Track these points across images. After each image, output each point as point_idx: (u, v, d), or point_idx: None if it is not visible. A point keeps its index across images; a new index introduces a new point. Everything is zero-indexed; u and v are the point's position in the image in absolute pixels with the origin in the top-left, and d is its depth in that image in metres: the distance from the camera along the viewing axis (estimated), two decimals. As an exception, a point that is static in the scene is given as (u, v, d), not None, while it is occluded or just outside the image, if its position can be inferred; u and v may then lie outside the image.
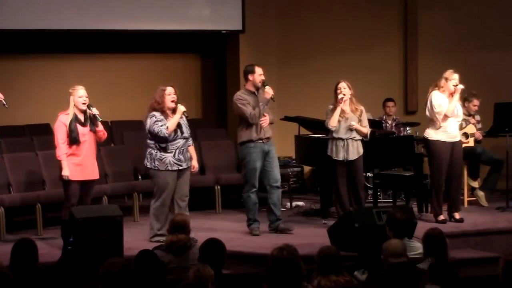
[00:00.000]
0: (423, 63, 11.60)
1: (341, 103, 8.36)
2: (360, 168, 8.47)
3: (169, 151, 7.80)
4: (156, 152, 7.83)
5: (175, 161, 7.82)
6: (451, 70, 8.47)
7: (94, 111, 7.71)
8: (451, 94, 8.37)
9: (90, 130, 7.72)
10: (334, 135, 8.41)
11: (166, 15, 11.05)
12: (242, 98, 8.22)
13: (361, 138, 8.47)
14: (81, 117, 7.71)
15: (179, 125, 7.85)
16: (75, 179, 7.64)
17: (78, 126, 7.65)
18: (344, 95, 8.38)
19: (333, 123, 8.36)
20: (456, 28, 11.63)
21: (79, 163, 7.65)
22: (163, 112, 7.82)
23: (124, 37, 11.48)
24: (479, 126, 9.99)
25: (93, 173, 7.77)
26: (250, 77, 8.29)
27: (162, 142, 7.80)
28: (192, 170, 8.10)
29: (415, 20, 11.74)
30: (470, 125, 9.78)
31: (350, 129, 8.39)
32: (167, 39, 11.70)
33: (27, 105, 10.86)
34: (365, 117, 8.56)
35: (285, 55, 11.55)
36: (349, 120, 8.40)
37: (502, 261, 4.70)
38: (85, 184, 7.72)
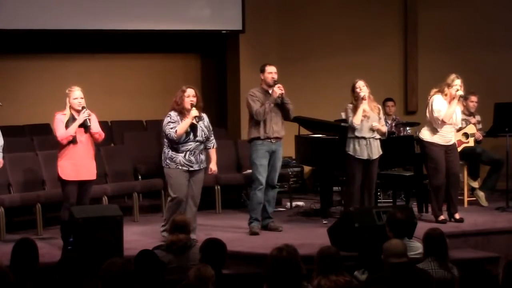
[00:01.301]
0: (423, 63, 11.61)
1: (365, 99, 8.34)
2: (376, 167, 8.45)
3: (180, 151, 7.79)
4: (169, 151, 7.83)
5: (186, 162, 7.79)
6: (454, 75, 8.41)
7: (85, 115, 7.65)
8: (453, 99, 8.38)
9: (85, 131, 7.70)
10: (357, 134, 8.35)
11: (166, 15, 11.05)
12: (252, 94, 8.31)
13: (380, 137, 8.47)
14: (78, 117, 7.70)
15: (193, 128, 7.80)
16: (71, 179, 7.63)
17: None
18: (365, 93, 8.37)
19: (357, 121, 8.31)
20: (456, 28, 11.64)
21: (75, 163, 7.63)
22: (180, 113, 7.80)
23: (124, 37, 11.47)
24: (479, 126, 9.99)
25: (89, 174, 7.74)
26: (261, 76, 8.37)
27: (173, 143, 7.81)
28: (209, 172, 8.10)
29: (415, 20, 11.74)
30: (470, 125, 9.78)
31: (372, 129, 8.37)
32: (167, 39, 11.69)
33: (27, 105, 10.87)
34: (382, 115, 8.57)
35: (285, 55, 11.53)
36: (371, 119, 8.36)
37: (502, 262, 4.68)
38: (82, 185, 7.71)
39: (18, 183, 8.72)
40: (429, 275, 5.31)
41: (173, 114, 7.80)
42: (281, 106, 8.33)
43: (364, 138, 8.36)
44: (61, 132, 7.61)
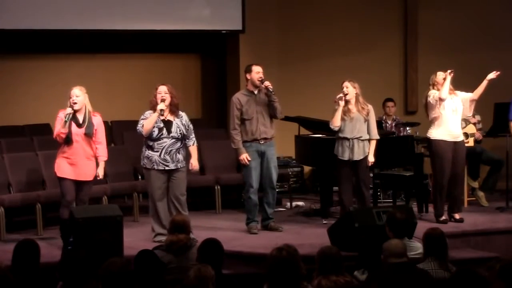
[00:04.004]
0: (423, 63, 11.60)
1: (335, 101, 8.35)
2: (365, 168, 8.42)
3: (155, 149, 7.84)
4: (145, 150, 7.92)
5: (161, 161, 7.83)
6: (433, 74, 8.51)
7: (67, 111, 7.65)
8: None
9: (86, 134, 7.69)
10: (340, 134, 8.37)
11: (166, 15, 11.05)
12: (234, 102, 8.31)
13: (368, 138, 8.44)
14: (80, 117, 7.70)
15: (167, 125, 7.84)
16: (67, 177, 7.66)
17: (74, 125, 7.65)
18: (346, 94, 8.36)
19: (336, 123, 8.34)
20: (456, 28, 11.64)
21: (71, 163, 7.66)
22: (154, 110, 7.85)
23: (124, 37, 11.48)
24: (479, 126, 9.99)
25: (85, 174, 7.73)
26: (248, 76, 8.37)
27: (147, 139, 7.86)
28: (190, 168, 8.07)
29: (415, 20, 11.74)
30: (470, 125, 9.78)
31: (356, 128, 8.34)
32: (167, 39, 11.70)
33: (27, 105, 10.87)
34: (372, 117, 8.49)
35: (285, 55, 11.55)
36: (355, 120, 8.36)
37: (495, 264, 4.55)
38: (79, 184, 7.72)
39: (18, 183, 8.72)
40: (429, 275, 5.31)
41: (148, 112, 7.91)
42: (268, 105, 8.32)
43: (346, 139, 8.36)
44: (56, 129, 7.65)
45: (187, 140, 7.99)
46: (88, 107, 7.76)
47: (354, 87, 8.40)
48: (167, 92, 7.87)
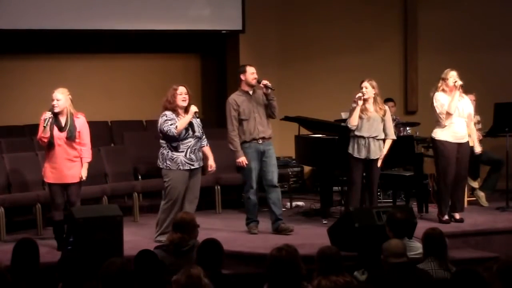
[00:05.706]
0: (423, 63, 11.61)
1: (355, 101, 8.33)
2: (377, 167, 8.40)
3: (180, 150, 7.81)
4: (168, 152, 7.84)
5: (187, 161, 7.82)
6: (447, 69, 8.47)
7: (47, 115, 7.63)
8: (453, 90, 8.38)
9: (67, 138, 7.63)
10: (356, 133, 8.35)
11: (166, 15, 11.06)
12: (231, 103, 8.28)
13: (383, 138, 8.43)
14: (62, 120, 7.67)
15: (191, 124, 7.86)
16: (51, 181, 7.68)
17: (55, 129, 7.63)
18: (364, 94, 8.35)
19: (353, 122, 8.32)
20: (456, 28, 11.64)
21: (53, 167, 7.65)
22: (174, 111, 7.83)
23: (124, 37, 11.48)
24: (479, 126, 9.99)
25: (69, 177, 7.67)
26: (242, 77, 8.33)
27: (173, 141, 7.81)
28: (209, 169, 8.12)
29: (415, 20, 11.75)
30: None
31: (373, 127, 8.34)
32: (167, 39, 11.70)
33: (27, 105, 10.86)
34: (389, 117, 8.50)
35: (285, 55, 11.55)
36: (372, 119, 8.35)
37: (493, 265, 4.54)
38: (65, 187, 7.70)
39: (18, 183, 8.73)
40: (429, 275, 5.31)
41: (168, 113, 7.84)
42: (266, 104, 8.32)
43: (363, 137, 8.35)
44: (39, 132, 7.67)
45: (201, 140, 8.00)
46: (70, 109, 7.69)
47: (373, 87, 8.38)
48: (187, 93, 7.88)
